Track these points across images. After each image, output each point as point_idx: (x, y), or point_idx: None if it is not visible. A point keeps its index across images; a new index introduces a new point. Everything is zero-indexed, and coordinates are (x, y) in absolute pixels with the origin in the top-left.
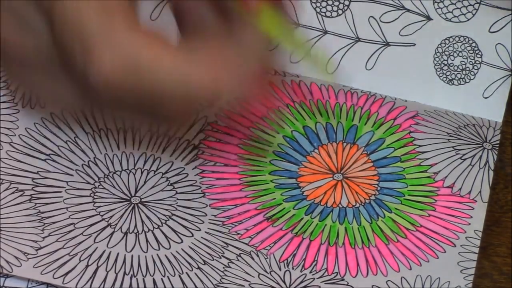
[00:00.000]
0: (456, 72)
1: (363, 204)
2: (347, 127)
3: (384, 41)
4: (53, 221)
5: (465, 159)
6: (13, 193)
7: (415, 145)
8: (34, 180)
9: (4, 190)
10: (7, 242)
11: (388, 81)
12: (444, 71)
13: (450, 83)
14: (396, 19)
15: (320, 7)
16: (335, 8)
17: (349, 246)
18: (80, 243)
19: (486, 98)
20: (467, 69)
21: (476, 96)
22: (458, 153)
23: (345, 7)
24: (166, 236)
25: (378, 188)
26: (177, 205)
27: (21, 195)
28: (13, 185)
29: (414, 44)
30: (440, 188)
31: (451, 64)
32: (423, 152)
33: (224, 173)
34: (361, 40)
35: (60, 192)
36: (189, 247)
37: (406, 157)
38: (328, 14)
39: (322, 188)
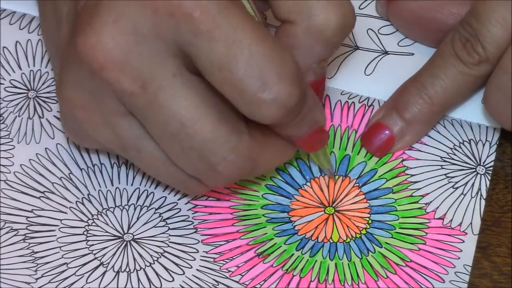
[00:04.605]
0: None
1: (353, 239)
2: (339, 158)
3: (383, 50)
4: (46, 261)
5: (457, 188)
6: (7, 232)
7: (407, 174)
8: (28, 219)
9: None
10: (1, 285)
11: (388, 86)
12: None
13: None
14: (395, 31)
15: None
16: None
17: (339, 283)
18: (72, 283)
19: None
20: None
21: (474, 101)
22: (451, 181)
23: None
24: (157, 275)
25: (370, 222)
26: (169, 242)
27: (15, 235)
28: (7, 224)
29: (413, 54)
30: (431, 220)
31: None
32: (415, 182)
33: (216, 208)
34: (360, 48)
35: (54, 230)
36: (180, 285)
37: (398, 188)
38: None
39: (314, 223)
